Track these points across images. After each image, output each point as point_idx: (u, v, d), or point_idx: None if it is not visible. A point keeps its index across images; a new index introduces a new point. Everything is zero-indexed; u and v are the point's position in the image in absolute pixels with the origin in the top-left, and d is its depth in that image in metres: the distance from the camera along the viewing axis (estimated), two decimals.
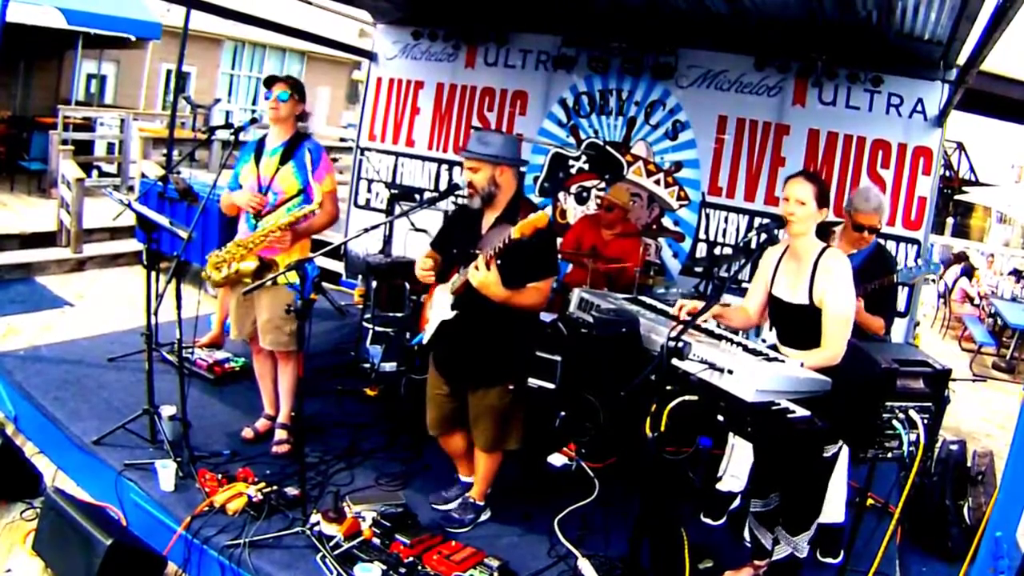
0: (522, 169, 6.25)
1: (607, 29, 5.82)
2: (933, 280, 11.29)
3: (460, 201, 4.58)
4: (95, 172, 10.18)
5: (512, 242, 2.84)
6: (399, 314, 4.88)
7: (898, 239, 5.18)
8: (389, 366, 4.79)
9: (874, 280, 3.45)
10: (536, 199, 6.29)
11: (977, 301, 11.03)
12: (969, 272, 11.16)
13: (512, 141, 3.27)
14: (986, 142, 17.86)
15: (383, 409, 4.51)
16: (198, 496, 3.27)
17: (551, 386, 4.11)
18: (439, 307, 3.22)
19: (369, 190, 7.12)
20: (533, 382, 3.96)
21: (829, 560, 3.46)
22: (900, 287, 4.82)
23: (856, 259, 3.47)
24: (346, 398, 4.61)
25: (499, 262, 2.93)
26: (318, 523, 3.12)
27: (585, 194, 6.18)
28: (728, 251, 5.65)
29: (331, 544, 3.02)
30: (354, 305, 6.06)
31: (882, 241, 4.34)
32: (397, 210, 5.56)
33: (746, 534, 3.33)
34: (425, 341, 3.33)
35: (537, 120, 6.33)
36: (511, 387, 3.23)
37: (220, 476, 3.40)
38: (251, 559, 2.93)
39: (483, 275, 2.90)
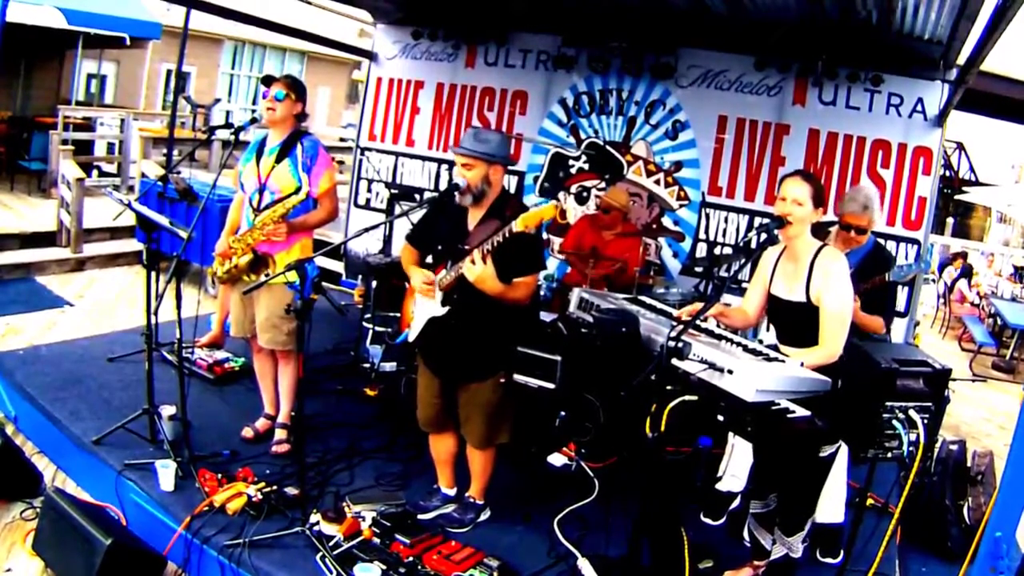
0: (521, 168, 6.34)
1: (607, 29, 5.82)
2: (932, 280, 11.29)
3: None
4: (95, 172, 10.20)
5: (513, 235, 2.84)
6: (399, 314, 4.88)
7: (898, 239, 5.19)
8: (389, 366, 4.80)
9: (870, 279, 3.45)
10: (536, 199, 6.30)
11: (976, 301, 11.03)
12: (968, 273, 11.16)
13: (506, 140, 3.27)
14: (986, 142, 17.86)
15: (383, 409, 4.51)
16: (198, 496, 3.27)
17: (551, 386, 4.10)
18: (424, 304, 3.21)
19: (369, 190, 7.13)
20: (533, 382, 3.96)
21: (829, 560, 3.45)
22: (900, 287, 4.83)
23: (853, 258, 3.48)
24: (346, 398, 4.61)
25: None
26: (318, 523, 3.12)
27: (585, 194, 6.18)
28: (728, 251, 5.65)
29: (331, 544, 3.02)
30: (354, 305, 6.06)
31: (881, 241, 4.35)
32: (397, 210, 5.55)
33: (745, 534, 3.33)
34: (411, 339, 3.32)
35: (537, 120, 6.32)
36: (502, 380, 3.23)
37: (220, 476, 3.40)
38: (251, 559, 2.93)
39: (480, 269, 2.90)
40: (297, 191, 3.60)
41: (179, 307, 3.51)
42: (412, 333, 3.30)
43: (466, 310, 3.09)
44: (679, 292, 5.01)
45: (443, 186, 6.64)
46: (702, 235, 5.79)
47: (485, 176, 3.07)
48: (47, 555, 3.05)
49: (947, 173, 16.69)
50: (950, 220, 18.15)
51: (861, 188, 4.14)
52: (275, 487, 3.34)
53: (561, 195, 6.27)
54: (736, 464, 3.48)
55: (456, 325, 3.13)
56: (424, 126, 6.79)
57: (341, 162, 9.07)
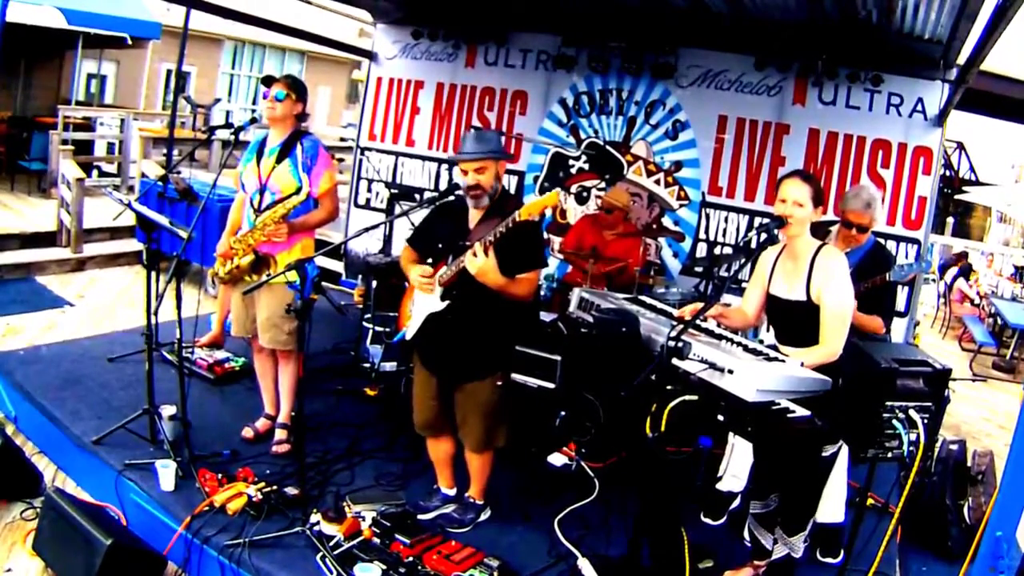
0: (521, 168, 6.34)
1: (607, 29, 5.82)
2: (933, 280, 11.29)
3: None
4: (95, 172, 10.19)
5: (517, 225, 2.86)
6: (398, 313, 4.88)
7: (898, 239, 5.19)
8: (389, 366, 4.79)
9: (870, 278, 3.46)
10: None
11: (977, 301, 11.02)
12: (966, 272, 11.15)
13: (501, 136, 3.31)
14: (986, 142, 17.85)
15: (383, 409, 4.51)
16: (198, 496, 3.27)
17: (551, 386, 4.11)
18: (423, 302, 3.21)
19: (369, 190, 7.13)
20: (533, 382, 3.97)
21: (829, 560, 3.45)
22: (900, 287, 4.82)
23: (853, 257, 3.48)
24: (346, 398, 4.61)
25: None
26: (318, 523, 3.12)
27: (585, 194, 6.18)
28: (728, 251, 5.65)
29: (331, 544, 3.02)
30: (354, 305, 6.06)
31: (881, 240, 4.35)
32: (397, 210, 5.56)
33: (746, 534, 3.33)
34: (408, 337, 3.32)
35: (537, 120, 6.32)
36: (499, 382, 3.23)
37: (220, 476, 3.40)
38: (251, 559, 2.93)
39: (481, 261, 2.91)
40: (298, 191, 3.61)
41: (179, 307, 3.51)
42: (410, 330, 3.30)
43: (465, 306, 3.09)
44: (679, 292, 5.01)
45: (443, 186, 6.65)
46: (702, 235, 5.79)
47: (497, 174, 3.12)
48: (47, 555, 3.05)
49: (947, 173, 16.69)
50: (950, 220, 18.14)
51: (864, 186, 4.15)
52: (275, 487, 3.34)
53: (561, 195, 6.26)
54: (736, 464, 3.48)
55: (454, 321, 3.13)
56: (424, 126, 6.79)
57: (341, 159, 9.07)
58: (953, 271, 11.17)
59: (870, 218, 3.54)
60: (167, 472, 3.33)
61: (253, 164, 3.70)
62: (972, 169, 18.11)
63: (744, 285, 3.44)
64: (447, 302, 3.12)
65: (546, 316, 4.59)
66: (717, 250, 5.71)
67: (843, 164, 5.35)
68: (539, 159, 6.36)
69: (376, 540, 3.09)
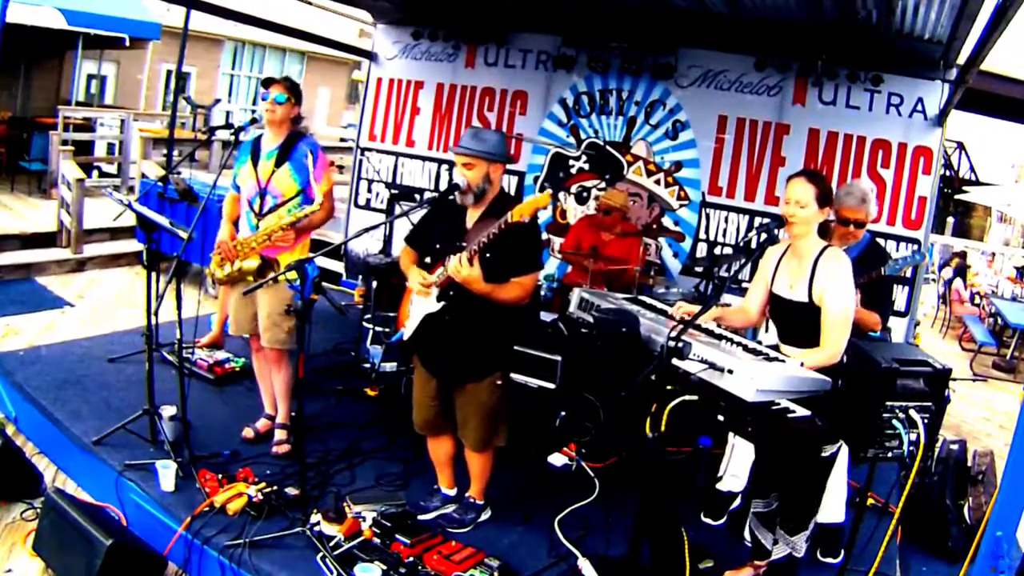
0: (521, 168, 6.34)
1: (607, 29, 5.82)
2: (933, 280, 11.29)
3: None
4: (95, 172, 10.19)
5: (510, 226, 2.85)
6: (398, 314, 4.88)
7: (899, 239, 5.19)
8: (389, 366, 4.79)
9: (866, 274, 3.45)
10: None
11: (977, 301, 11.03)
12: (962, 271, 11.16)
13: (504, 138, 3.29)
14: (986, 142, 17.84)
15: (383, 409, 4.51)
16: (198, 496, 3.27)
17: (551, 386, 4.11)
18: (420, 303, 3.21)
19: (369, 190, 7.13)
20: (533, 382, 3.97)
21: (829, 560, 3.46)
22: (896, 283, 4.82)
23: (850, 254, 3.47)
24: (347, 398, 4.61)
25: (487, 254, 2.96)
26: (318, 523, 3.12)
27: (585, 194, 6.19)
28: (728, 251, 5.65)
29: (331, 544, 3.02)
30: (354, 305, 6.06)
31: (880, 240, 4.35)
32: (397, 210, 5.56)
33: (746, 534, 3.33)
34: (406, 338, 3.32)
35: (537, 120, 6.33)
36: (499, 381, 3.23)
37: (220, 476, 3.40)
38: (251, 559, 2.93)
39: (466, 271, 2.92)
40: (299, 194, 3.62)
41: (179, 307, 3.52)
42: (407, 331, 3.30)
43: (462, 307, 3.09)
44: (679, 292, 5.02)
45: (443, 186, 6.65)
46: (702, 235, 5.79)
47: (486, 175, 3.09)
48: (48, 555, 3.05)
49: (947, 173, 16.67)
50: (950, 220, 18.14)
51: (857, 182, 4.14)
52: (276, 487, 3.34)
53: (561, 195, 6.27)
54: (736, 464, 3.48)
55: (451, 322, 3.13)
56: (424, 126, 6.79)
57: (341, 167, 9.08)
58: (949, 271, 11.18)
59: (866, 213, 3.54)
60: (167, 472, 3.33)
61: (249, 167, 3.69)
62: (972, 169, 18.10)
63: (744, 285, 3.45)
64: (443, 303, 3.12)
65: (546, 316, 4.59)
66: (717, 250, 5.71)
67: (843, 164, 5.35)
68: (539, 159, 6.36)
69: (376, 540, 3.09)
